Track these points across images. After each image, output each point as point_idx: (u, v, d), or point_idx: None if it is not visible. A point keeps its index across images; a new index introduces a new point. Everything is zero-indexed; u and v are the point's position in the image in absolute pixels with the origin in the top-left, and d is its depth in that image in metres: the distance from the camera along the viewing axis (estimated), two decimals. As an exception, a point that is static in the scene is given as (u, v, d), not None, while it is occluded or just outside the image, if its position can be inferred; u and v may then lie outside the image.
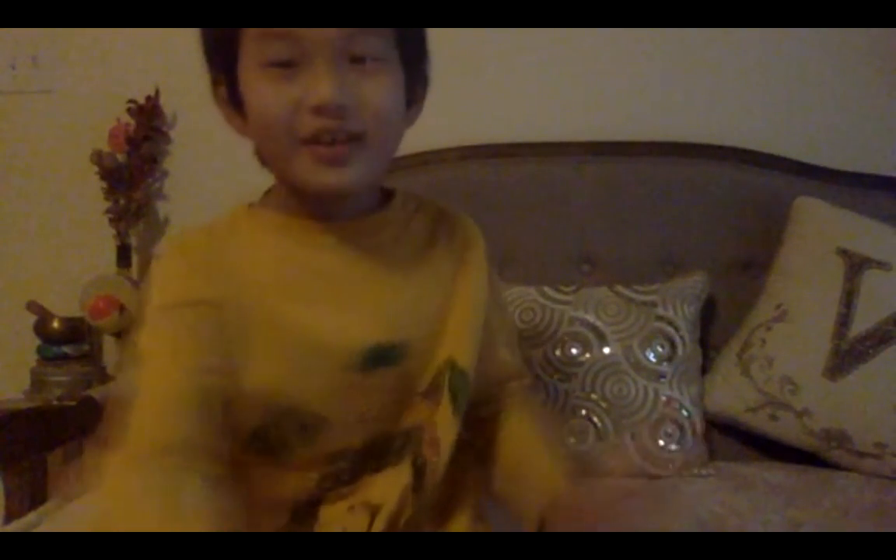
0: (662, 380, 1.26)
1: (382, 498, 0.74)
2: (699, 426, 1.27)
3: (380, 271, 0.74)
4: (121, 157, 1.61)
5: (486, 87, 1.59)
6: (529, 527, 0.73)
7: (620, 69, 1.60)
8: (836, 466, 1.26)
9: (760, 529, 1.01)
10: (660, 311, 1.31)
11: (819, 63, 1.58)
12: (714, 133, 1.54)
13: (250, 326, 0.69)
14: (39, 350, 1.57)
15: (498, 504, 0.81)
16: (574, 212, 1.48)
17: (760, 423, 1.29)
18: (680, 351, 1.29)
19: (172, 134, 1.66)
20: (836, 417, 1.24)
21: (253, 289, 0.70)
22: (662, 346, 1.28)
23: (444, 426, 0.75)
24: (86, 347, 1.59)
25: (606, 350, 1.27)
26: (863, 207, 1.39)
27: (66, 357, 1.56)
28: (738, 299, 1.41)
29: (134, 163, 1.60)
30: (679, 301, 1.32)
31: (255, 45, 0.66)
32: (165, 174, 1.68)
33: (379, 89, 0.67)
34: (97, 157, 1.59)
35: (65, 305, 1.59)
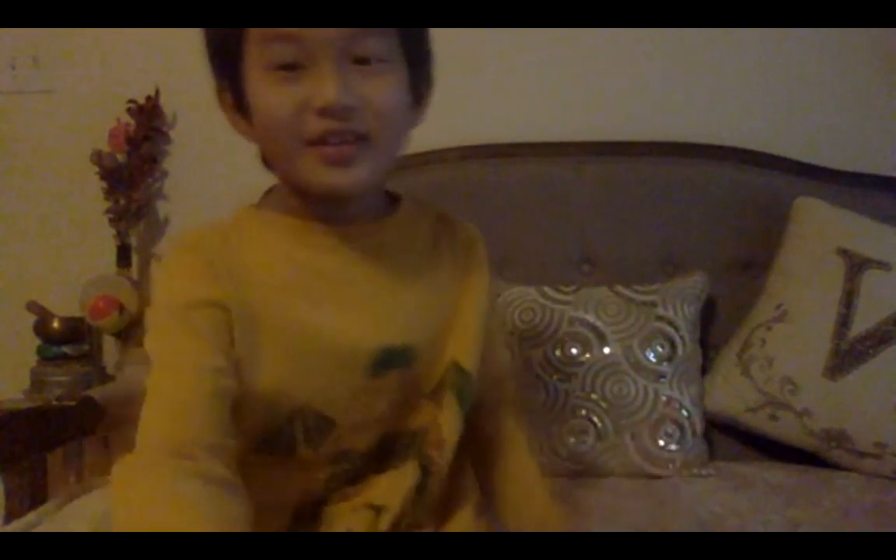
0: (662, 380, 1.26)
1: (386, 499, 0.74)
2: (699, 426, 1.27)
3: (386, 275, 0.74)
4: (121, 157, 1.61)
5: (486, 87, 1.59)
6: None
7: (620, 69, 1.60)
8: (836, 466, 1.26)
9: (760, 529, 1.01)
10: (660, 311, 1.31)
11: (819, 63, 1.58)
12: (714, 133, 1.54)
13: (257, 328, 0.69)
14: (39, 350, 1.57)
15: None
16: (574, 212, 1.48)
17: (760, 423, 1.29)
18: (680, 351, 1.29)
19: (172, 134, 1.66)
20: (836, 417, 1.24)
21: (260, 290, 0.70)
22: (662, 346, 1.28)
23: (449, 427, 0.76)
24: (86, 347, 1.59)
25: (606, 350, 1.27)
26: (863, 207, 1.39)
27: (66, 357, 1.56)
28: (738, 299, 1.41)
29: (134, 163, 1.60)
30: (679, 301, 1.32)
31: (259, 48, 0.66)
32: (165, 174, 1.68)
33: (384, 90, 0.67)
34: (97, 157, 1.59)
35: (65, 305, 1.59)
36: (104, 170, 1.59)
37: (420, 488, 0.75)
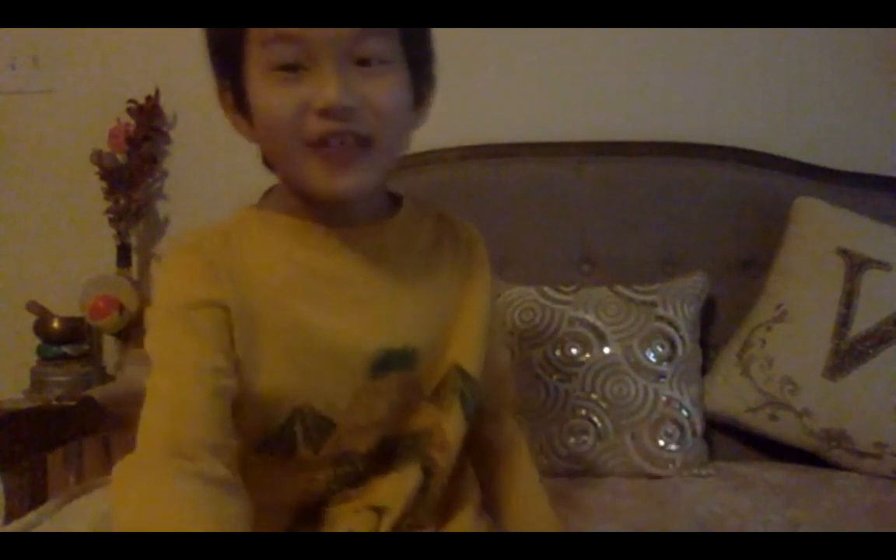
0: (662, 380, 1.26)
1: (388, 501, 0.74)
2: (699, 426, 1.27)
3: (387, 277, 0.74)
4: (121, 157, 1.61)
5: (486, 87, 1.59)
6: None
7: (620, 69, 1.60)
8: (836, 466, 1.26)
9: (760, 529, 1.01)
10: (660, 311, 1.31)
11: (819, 63, 1.58)
12: (714, 133, 1.54)
13: (257, 328, 0.69)
14: (39, 350, 1.57)
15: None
16: (574, 212, 1.48)
17: (760, 423, 1.29)
18: (680, 351, 1.29)
19: (172, 134, 1.66)
20: (836, 417, 1.24)
21: (260, 290, 0.70)
22: (662, 346, 1.28)
23: (452, 430, 0.76)
24: (86, 347, 1.59)
25: (606, 350, 1.27)
26: (863, 207, 1.39)
27: (66, 357, 1.56)
28: (738, 299, 1.41)
29: (134, 163, 1.60)
30: (679, 301, 1.32)
31: (260, 49, 0.66)
32: (165, 174, 1.68)
33: (385, 91, 0.67)
34: (97, 157, 1.59)
35: (65, 305, 1.59)
36: (104, 170, 1.59)
37: (422, 490, 0.75)
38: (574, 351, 1.27)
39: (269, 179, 0.76)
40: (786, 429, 1.28)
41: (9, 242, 1.69)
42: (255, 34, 0.66)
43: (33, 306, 1.56)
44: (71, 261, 1.66)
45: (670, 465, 1.22)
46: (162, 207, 1.68)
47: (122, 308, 1.55)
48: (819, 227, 1.36)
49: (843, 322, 1.26)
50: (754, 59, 1.58)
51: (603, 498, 1.12)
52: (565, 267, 1.46)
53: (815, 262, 1.33)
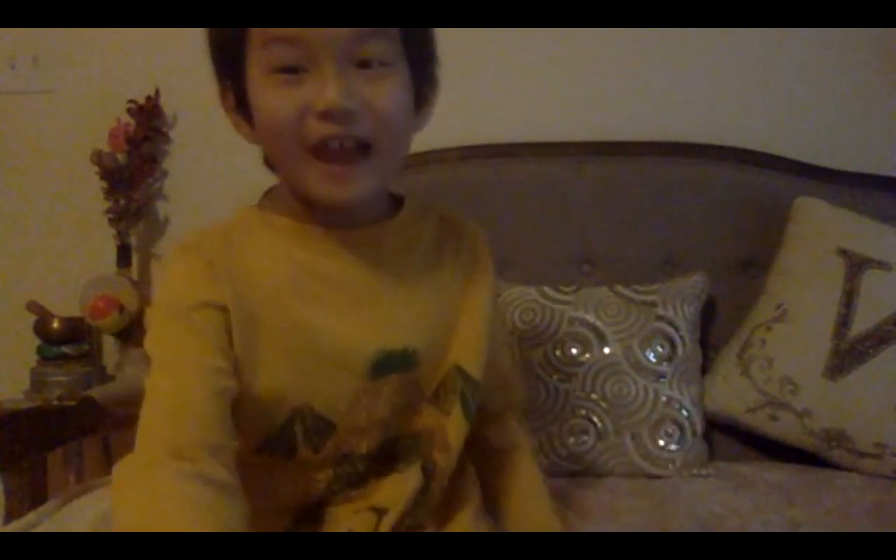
0: (662, 380, 1.26)
1: (389, 502, 0.74)
2: (699, 426, 1.27)
3: (388, 278, 0.74)
4: (121, 157, 1.61)
5: (486, 87, 1.59)
6: None
7: (620, 69, 1.60)
8: (836, 466, 1.26)
9: (760, 529, 1.01)
10: (660, 311, 1.31)
11: (819, 63, 1.58)
12: (714, 133, 1.54)
13: (256, 329, 0.69)
14: (39, 350, 1.57)
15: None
16: (574, 212, 1.48)
17: (760, 423, 1.29)
18: (680, 351, 1.29)
19: (172, 134, 1.66)
20: (836, 417, 1.24)
21: (259, 291, 0.70)
22: (662, 346, 1.28)
23: (454, 432, 0.76)
24: (86, 347, 1.59)
25: (606, 350, 1.27)
26: (863, 207, 1.39)
27: (66, 357, 1.56)
28: (738, 299, 1.41)
29: (134, 163, 1.60)
30: (679, 301, 1.32)
31: (261, 50, 0.66)
32: (165, 174, 1.68)
33: (386, 93, 0.67)
34: (97, 157, 1.59)
35: (65, 305, 1.59)
36: (104, 170, 1.59)
37: (422, 491, 0.75)
38: (574, 351, 1.27)
39: (268, 179, 0.76)
40: (786, 429, 1.28)
41: (9, 242, 1.69)
42: (255, 36, 0.66)
43: (33, 306, 1.56)
44: (71, 261, 1.67)
45: (670, 465, 1.22)
46: (162, 207, 1.69)
47: (122, 308, 1.55)
48: (819, 227, 1.36)
49: (843, 322, 1.26)
50: (754, 59, 1.58)
51: (603, 498, 1.12)
52: (565, 267, 1.46)
53: (815, 262, 1.33)
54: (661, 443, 1.23)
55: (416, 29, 0.70)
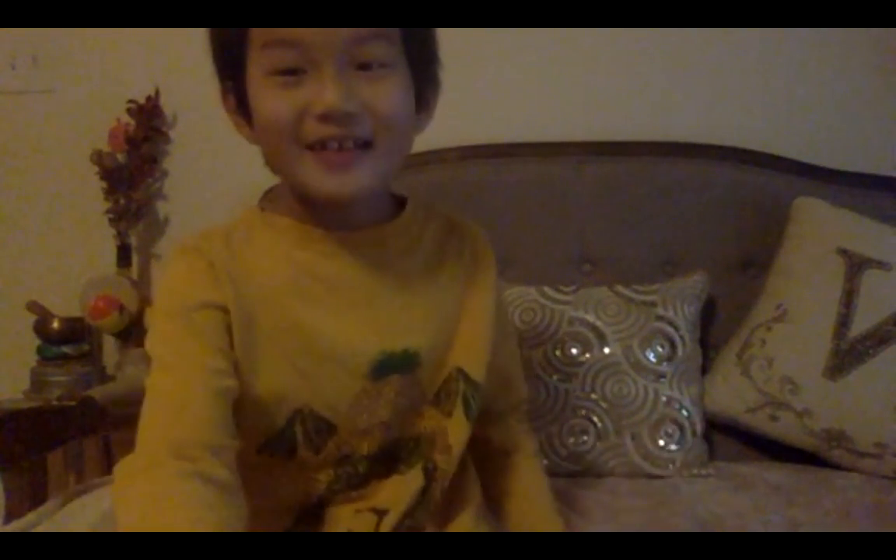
0: (662, 380, 1.26)
1: (390, 502, 0.74)
2: (699, 426, 1.27)
3: (388, 279, 0.74)
4: (121, 157, 1.61)
5: (486, 87, 1.59)
6: None
7: (620, 69, 1.60)
8: (836, 466, 1.26)
9: (760, 529, 1.01)
10: (660, 311, 1.31)
11: (819, 63, 1.58)
12: (714, 133, 1.54)
13: (257, 330, 0.69)
14: (39, 350, 1.57)
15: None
16: (574, 212, 1.48)
17: (760, 423, 1.29)
18: (680, 351, 1.29)
19: (172, 134, 1.66)
20: (836, 417, 1.24)
21: (261, 293, 0.70)
22: (662, 346, 1.28)
23: (456, 434, 0.77)
24: (86, 347, 1.60)
25: (606, 350, 1.27)
26: (863, 207, 1.39)
27: (66, 357, 1.57)
28: (738, 299, 1.41)
29: (134, 163, 1.60)
30: (679, 301, 1.32)
31: (261, 52, 0.66)
32: (165, 174, 1.68)
33: (386, 94, 0.67)
34: (97, 157, 1.59)
35: (65, 305, 1.59)
36: (104, 170, 1.59)
37: (423, 492, 0.75)
38: (574, 351, 1.27)
39: (268, 179, 0.76)
40: (786, 429, 1.28)
41: (9, 242, 1.69)
42: (255, 37, 0.66)
43: (33, 306, 1.56)
44: (71, 261, 1.67)
45: (670, 465, 1.22)
46: (162, 207, 1.69)
47: (122, 308, 1.55)
48: (819, 227, 1.36)
49: (843, 322, 1.26)
50: (754, 59, 1.58)
51: (603, 498, 1.12)
52: (565, 267, 1.46)
53: (815, 262, 1.33)
54: (661, 443, 1.23)
55: (417, 30, 0.70)
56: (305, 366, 0.70)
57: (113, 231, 1.61)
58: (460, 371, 0.77)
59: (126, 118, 1.61)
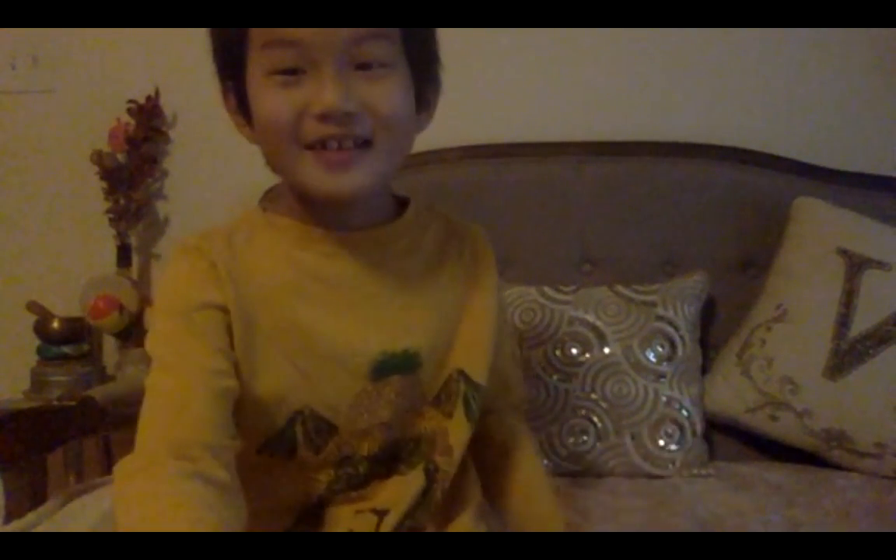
0: (662, 380, 1.26)
1: (390, 503, 0.74)
2: (699, 426, 1.27)
3: (390, 280, 0.74)
4: (121, 157, 1.61)
5: (486, 87, 1.59)
6: None
7: (620, 69, 1.60)
8: (836, 466, 1.26)
9: (760, 529, 1.01)
10: (660, 311, 1.31)
11: (819, 63, 1.58)
12: (714, 133, 1.54)
13: (257, 330, 0.69)
14: (39, 350, 1.57)
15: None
16: (574, 212, 1.48)
17: (760, 423, 1.29)
18: (680, 351, 1.29)
19: (172, 134, 1.66)
20: (836, 417, 1.24)
21: (261, 293, 0.70)
22: (662, 346, 1.28)
23: (457, 435, 0.77)
24: (86, 347, 1.59)
25: (606, 350, 1.27)
26: (863, 207, 1.39)
27: (66, 357, 1.56)
28: (738, 299, 1.41)
29: (134, 163, 1.60)
30: (679, 301, 1.32)
31: (261, 53, 0.66)
32: (165, 174, 1.68)
33: (386, 94, 0.67)
34: (97, 157, 1.59)
35: (65, 305, 1.59)
36: (104, 170, 1.59)
37: (424, 493, 0.75)
38: (574, 351, 1.27)
39: (268, 179, 0.76)
40: (786, 429, 1.28)
41: (9, 242, 1.69)
42: (255, 37, 0.66)
43: (33, 306, 1.56)
44: (71, 261, 1.67)
45: (670, 465, 1.22)
46: (162, 207, 1.69)
47: (122, 308, 1.55)
48: (819, 227, 1.36)
49: (843, 322, 1.26)
50: (754, 59, 1.58)
51: (603, 498, 1.12)
52: (565, 267, 1.46)
53: (815, 262, 1.33)
54: (661, 443, 1.23)
55: (417, 30, 0.70)
56: (306, 366, 0.70)
57: (113, 231, 1.61)
58: (461, 372, 0.77)
59: (126, 118, 1.61)
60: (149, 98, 1.62)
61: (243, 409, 0.68)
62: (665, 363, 1.27)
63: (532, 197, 1.48)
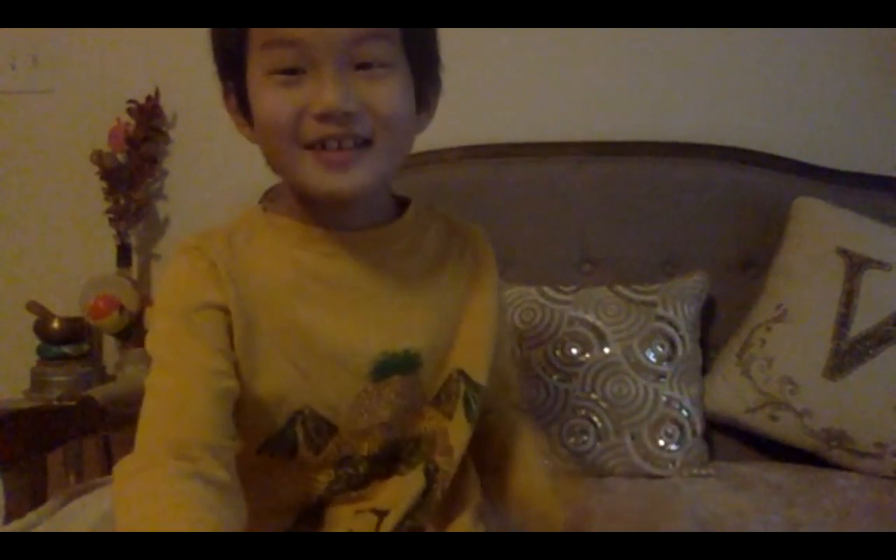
0: (662, 380, 1.26)
1: (390, 503, 0.74)
2: (699, 426, 1.27)
3: (390, 280, 0.74)
4: (121, 157, 1.61)
5: (486, 87, 1.59)
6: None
7: (620, 69, 1.60)
8: (836, 466, 1.26)
9: (760, 529, 1.01)
10: (660, 311, 1.31)
11: (819, 63, 1.58)
12: (714, 133, 1.54)
13: (258, 330, 0.69)
14: (39, 350, 1.57)
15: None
16: (574, 212, 1.48)
17: (760, 423, 1.29)
18: (680, 351, 1.29)
19: (172, 134, 1.66)
20: (836, 417, 1.24)
21: (262, 293, 0.70)
22: (662, 346, 1.28)
23: (457, 435, 0.77)
24: (86, 347, 1.59)
25: (606, 350, 1.27)
26: (863, 207, 1.39)
27: (66, 357, 1.56)
28: (738, 299, 1.41)
29: (134, 163, 1.60)
30: (679, 301, 1.32)
31: (261, 52, 0.66)
32: (165, 174, 1.68)
33: (386, 94, 0.67)
34: (97, 157, 1.59)
35: (65, 305, 1.59)
36: (104, 170, 1.59)
37: (424, 494, 0.75)
38: (574, 351, 1.27)
39: (268, 179, 0.76)
40: (786, 429, 1.28)
41: (9, 242, 1.69)
42: (255, 37, 0.66)
43: (33, 306, 1.56)
44: (71, 261, 1.67)
45: (670, 465, 1.22)
46: (162, 207, 1.69)
47: (122, 308, 1.55)
48: (819, 227, 1.36)
49: (843, 322, 1.26)
50: (754, 59, 1.58)
51: (603, 498, 1.11)
52: (565, 267, 1.46)
53: (815, 262, 1.33)
54: (661, 443, 1.23)
55: (417, 30, 0.70)
56: (306, 366, 0.70)
57: (113, 231, 1.61)
58: (461, 372, 0.77)
59: (126, 118, 1.61)
60: (149, 98, 1.62)
61: (243, 410, 0.68)
62: (665, 363, 1.27)
63: (532, 197, 1.48)
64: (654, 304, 1.31)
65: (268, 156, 0.72)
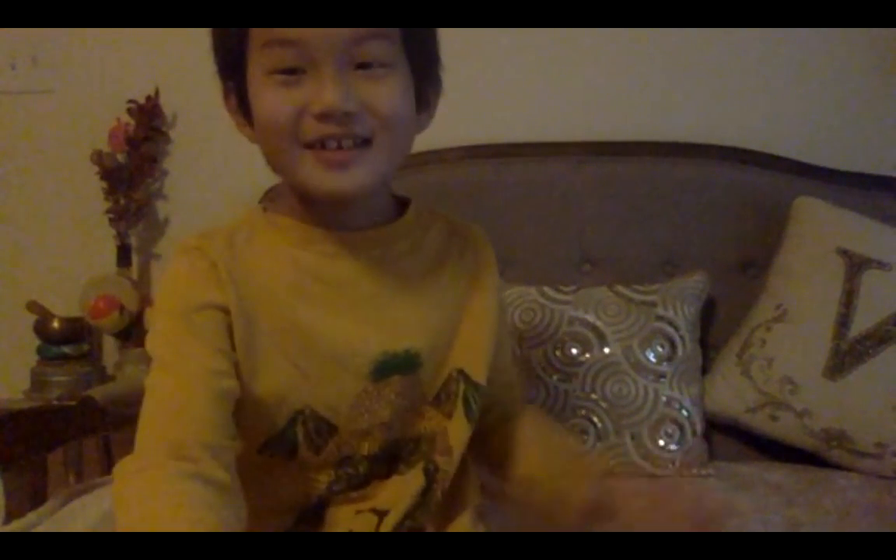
0: (662, 380, 1.26)
1: (390, 503, 0.74)
2: (699, 426, 1.27)
3: (391, 281, 0.74)
4: (121, 157, 1.61)
5: (486, 87, 1.59)
6: (575, 516, 0.72)
7: (620, 69, 1.60)
8: (836, 466, 1.26)
9: (760, 529, 1.01)
10: (660, 311, 1.31)
11: (819, 63, 1.58)
12: (714, 133, 1.54)
13: (258, 330, 0.69)
14: (39, 350, 1.57)
15: (516, 507, 0.82)
16: (574, 212, 1.48)
17: (760, 423, 1.29)
18: (680, 351, 1.29)
19: (172, 134, 1.66)
20: (836, 417, 1.24)
21: (262, 293, 0.70)
22: (662, 346, 1.28)
23: (457, 435, 0.76)
24: (86, 347, 1.60)
25: (606, 350, 1.27)
26: (863, 207, 1.39)
27: (66, 357, 1.57)
28: (738, 299, 1.41)
29: (134, 163, 1.60)
30: (679, 301, 1.32)
31: (261, 52, 0.66)
32: (165, 174, 1.68)
33: (385, 94, 0.67)
34: (97, 157, 1.59)
35: (65, 305, 1.59)
36: (104, 170, 1.59)
37: (424, 493, 0.75)
38: (574, 351, 1.27)
39: (268, 179, 0.76)
40: (786, 429, 1.28)
41: (9, 242, 1.69)
42: (255, 37, 0.66)
43: (33, 306, 1.56)
44: (71, 261, 1.67)
45: (670, 465, 1.22)
46: (162, 207, 1.69)
47: (122, 308, 1.55)
48: (819, 227, 1.36)
49: (843, 322, 1.26)
50: (754, 59, 1.58)
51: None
52: (565, 267, 1.46)
53: (815, 262, 1.33)
54: (661, 443, 1.23)
55: (417, 30, 0.70)
56: (306, 366, 0.70)
57: (113, 231, 1.61)
58: (461, 372, 0.77)
59: (126, 118, 1.61)
60: (149, 98, 1.62)
61: (244, 410, 0.68)
62: (665, 363, 1.27)
63: (532, 197, 1.48)
64: (654, 304, 1.31)
65: (268, 156, 0.72)
